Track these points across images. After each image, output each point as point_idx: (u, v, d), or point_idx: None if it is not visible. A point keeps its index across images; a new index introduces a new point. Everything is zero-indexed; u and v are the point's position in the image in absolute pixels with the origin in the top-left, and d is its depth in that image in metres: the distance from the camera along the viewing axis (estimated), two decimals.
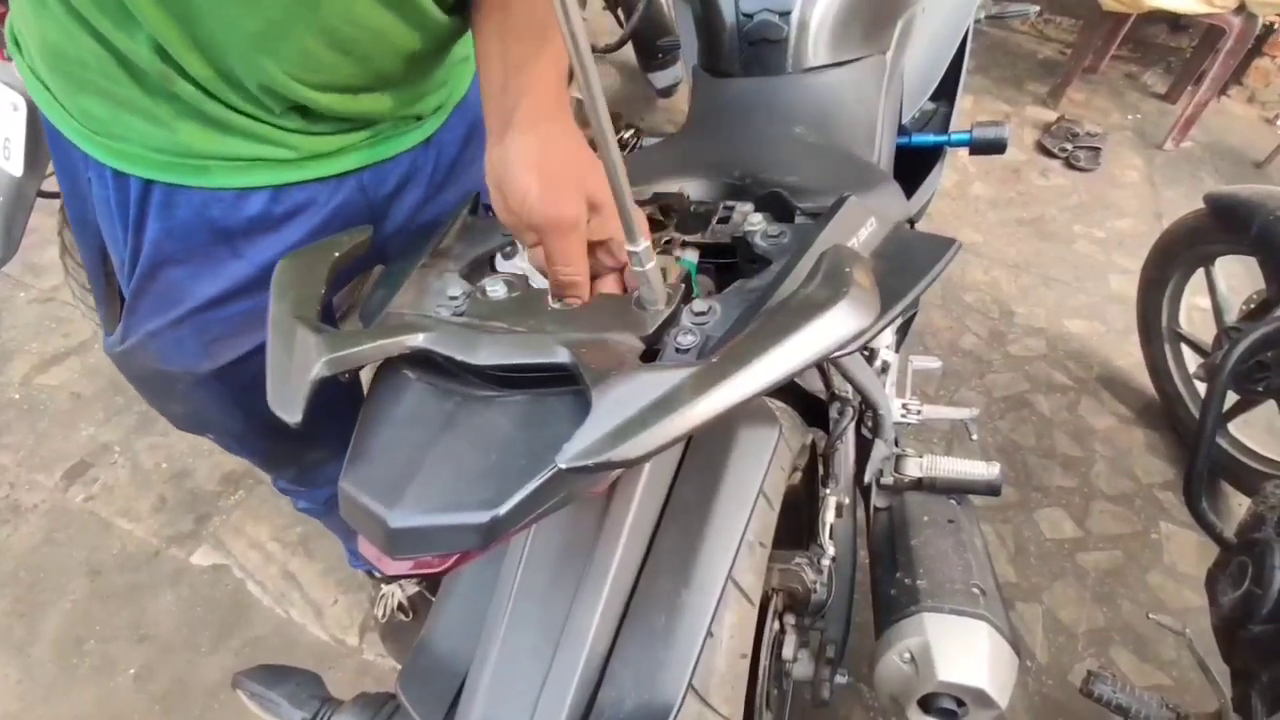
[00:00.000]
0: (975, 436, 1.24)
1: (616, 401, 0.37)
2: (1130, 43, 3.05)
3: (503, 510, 0.38)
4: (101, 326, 0.80)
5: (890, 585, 0.78)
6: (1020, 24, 3.28)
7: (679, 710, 0.47)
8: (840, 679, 0.78)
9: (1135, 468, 1.63)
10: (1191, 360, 1.63)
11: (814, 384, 0.80)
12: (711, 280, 0.59)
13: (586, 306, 0.49)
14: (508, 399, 0.44)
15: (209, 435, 0.88)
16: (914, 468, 0.89)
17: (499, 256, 0.57)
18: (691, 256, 0.58)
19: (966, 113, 2.67)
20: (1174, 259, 1.58)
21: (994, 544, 1.46)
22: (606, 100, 0.38)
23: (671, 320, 0.47)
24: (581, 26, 0.34)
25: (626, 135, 2.23)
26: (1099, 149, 2.54)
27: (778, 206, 0.60)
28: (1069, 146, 2.55)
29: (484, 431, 0.43)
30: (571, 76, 0.44)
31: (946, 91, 1.16)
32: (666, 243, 0.59)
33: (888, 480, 0.90)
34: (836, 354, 0.41)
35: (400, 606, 1.25)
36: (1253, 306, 1.39)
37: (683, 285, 0.49)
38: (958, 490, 0.89)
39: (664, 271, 0.48)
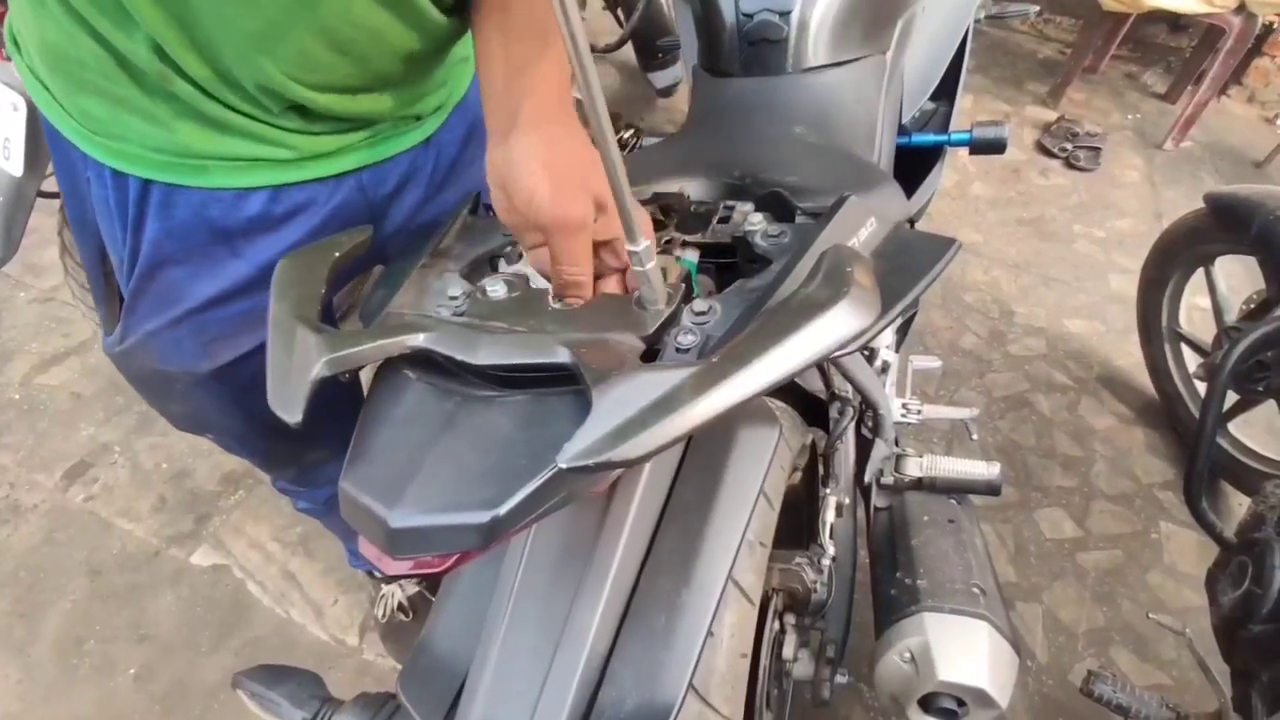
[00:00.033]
0: (975, 436, 1.24)
1: (617, 401, 0.37)
2: (1130, 42, 3.05)
3: (503, 510, 0.38)
4: (101, 326, 0.80)
5: (890, 585, 0.78)
6: (1020, 24, 3.28)
7: (679, 710, 0.47)
8: (840, 679, 0.78)
9: (1135, 467, 1.63)
10: (1191, 360, 1.63)
11: (814, 384, 0.80)
12: (712, 280, 0.59)
13: (587, 306, 0.49)
14: (508, 399, 0.44)
15: (209, 435, 0.88)
16: (914, 467, 0.89)
17: (501, 262, 0.57)
18: (692, 256, 0.58)
19: (966, 112, 2.67)
20: (1174, 259, 1.58)
21: (994, 544, 1.46)
22: (606, 100, 0.38)
23: (672, 320, 0.47)
24: (581, 26, 0.34)
25: (626, 135, 2.23)
26: (1099, 149, 2.54)
27: (778, 206, 0.60)
28: (1069, 146, 2.55)
29: (484, 431, 0.42)
30: (572, 76, 0.44)
31: (946, 91, 1.16)
32: (667, 242, 0.59)
33: (888, 480, 0.90)
34: (837, 354, 0.41)
35: (400, 606, 1.25)
36: (1253, 306, 1.39)
37: (683, 285, 0.49)
38: (958, 490, 0.89)
39: (664, 271, 0.48)
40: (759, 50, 0.90)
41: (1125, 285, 2.00)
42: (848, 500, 0.84)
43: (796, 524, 0.81)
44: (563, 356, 0.42)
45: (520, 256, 0.56)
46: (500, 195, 0.50)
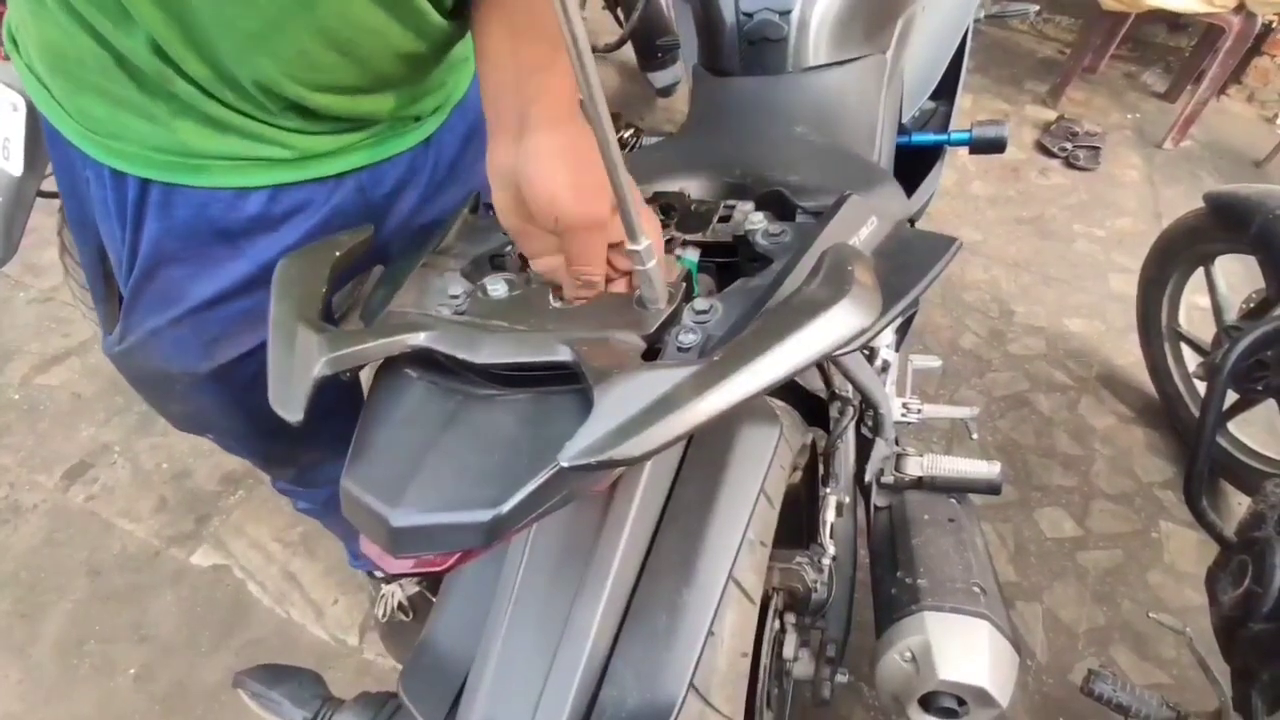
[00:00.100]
0: (975, 435, 1.24)
1: (618, 400, 0.37)
2: (1130, 42, 3.05)
3: (505, 509, 0.37)
4: (101, 326, 0.80)
5: (891, 584, 0.78)
6: (1020, 23, 3.28)
7: (680, 709, 0.47)
8: (841, 678, 0.78)
9: (1135, 467, 1.63)
10: (1191, 359, 1.63)
11: (814, 383, 0.80)
12: (712, 279, 0.59)
13: (588, 305, 0.49)
14: (509, 398, 0.44)
15: (209, 435, 0.88)
16: (914, 467, 0.89)
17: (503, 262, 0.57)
18: (692, 255, 0.58)
19: (966, 112, 2.67)
20: (1173, 258, 1.58)
21: (994, 543, 1.46)
22: (606, 100, 0.38)
23: (673, 319, 0.46)
24: (581, 26, 0.34)
25: (626, 135, 2.23)
26: (1098, 148, 2.54)
27: (778, 205, 0.59)
28: (1068, 146, 2.55)
29: (485, 430, 0.42)
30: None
31: (946, 90, 1.16)
32: (667, 241, 0.59)
33: (888, 479, 0.90)
34: (838, 352, 0.40)
35: (401, 606, 1.25)
36: (1252, 305, 1.40)
37: (684, 284, 0.49)
38: (958, 489, 0.89)
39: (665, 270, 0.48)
40: (759, 49, 0.90)
41: (1125, 284, 2.00)
42: (848, 499, 0.84)
43: (797, 523, 0.81)
44: (564, 355, 0.42)
45: (520, 262, 0.56)
46: (507, 196, 0.49)
